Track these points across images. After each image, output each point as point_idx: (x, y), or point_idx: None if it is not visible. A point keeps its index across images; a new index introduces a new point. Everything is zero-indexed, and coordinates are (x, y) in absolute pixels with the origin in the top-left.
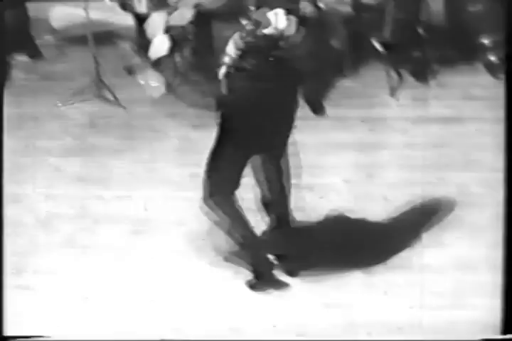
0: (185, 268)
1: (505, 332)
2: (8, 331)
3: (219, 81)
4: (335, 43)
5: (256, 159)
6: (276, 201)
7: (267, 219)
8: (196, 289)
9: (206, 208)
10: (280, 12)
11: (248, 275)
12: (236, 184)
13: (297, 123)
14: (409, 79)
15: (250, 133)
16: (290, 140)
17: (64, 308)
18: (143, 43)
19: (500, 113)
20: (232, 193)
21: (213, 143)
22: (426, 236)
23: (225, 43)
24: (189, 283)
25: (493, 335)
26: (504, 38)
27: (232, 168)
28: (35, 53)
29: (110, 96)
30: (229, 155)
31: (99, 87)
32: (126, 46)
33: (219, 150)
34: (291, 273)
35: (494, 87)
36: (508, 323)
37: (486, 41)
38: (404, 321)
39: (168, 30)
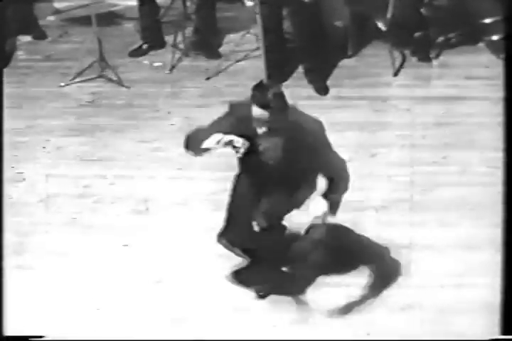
0: (189, 247)
1: (505, 332)
2: (8, 329)
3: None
4: (338, 23)
5: None
6: None
7: None
8: (200, 269)
9: None
10: None
11: None
12: None
13: (301, 102)
14: (412, 59)
15: None
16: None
17: (66, 289)
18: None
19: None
20: None
21: None
22: (429, 216)
23: (228, 23)
24: (193, 263)
25: (494, 315)
26: (504, 17)
27: None
28: (38, 34)
29: (113, 76)
30: None
31: (102, 67)
32: (130, 26)
33: None
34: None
35: (497, 67)
36: (508, 303)
37: (488, 21)
38: (407, 301)
39: None
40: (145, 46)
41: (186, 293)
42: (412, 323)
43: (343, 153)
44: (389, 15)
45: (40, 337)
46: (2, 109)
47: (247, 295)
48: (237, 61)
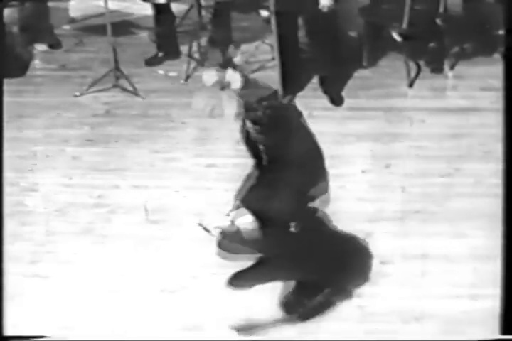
0: (202, 257)
1: (504, 332)
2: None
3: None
4: (353, 34)
5: None
6: None
7: None
8: (214, 279)
9: None
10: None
11: None
12: None
13: (315, 113)
14: (427, 69)
15: None
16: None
17: (80, 297)
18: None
19: None
20: None
21: None
22: (443, 227)
23: (243, 33)
24: (206, 273)
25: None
26: (505, 30)
27: None
28: (54, 43)
29: (128, 86)
30: None
31: (117, 77)
32: (145, 36)
33: None
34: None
35: None
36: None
37: (503, 32)
38: (421, 311)
39: None
40: (160, 55)
41: (198, 302)
42: (426, 333)
43: (357, 164)
44: (404, 25)
45: (41, 337)
46: (2, 118)
47: (257, 305)
48: (252, 71)
